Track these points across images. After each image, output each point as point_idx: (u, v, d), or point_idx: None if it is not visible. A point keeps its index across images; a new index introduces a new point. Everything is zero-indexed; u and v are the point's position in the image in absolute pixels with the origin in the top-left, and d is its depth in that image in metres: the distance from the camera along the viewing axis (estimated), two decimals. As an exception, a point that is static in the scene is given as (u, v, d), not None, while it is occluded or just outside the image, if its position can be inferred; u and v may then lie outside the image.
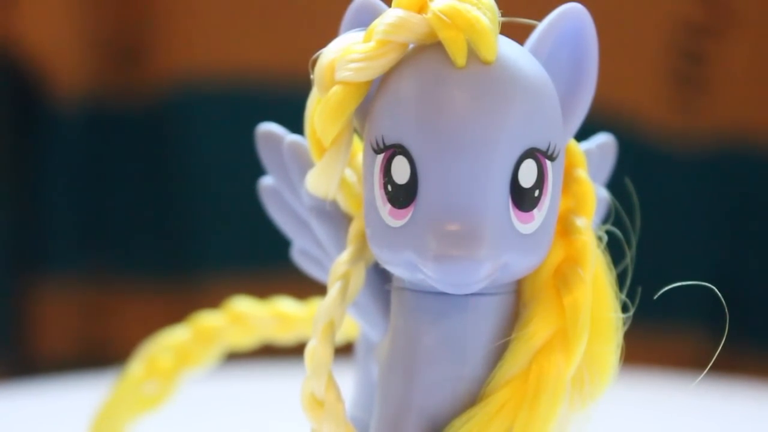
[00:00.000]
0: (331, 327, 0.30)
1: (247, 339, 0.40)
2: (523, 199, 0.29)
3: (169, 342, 0.41)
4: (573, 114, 0.30)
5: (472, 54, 0.28)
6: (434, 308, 0.30)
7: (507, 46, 0.29)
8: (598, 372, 0.30)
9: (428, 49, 0.29)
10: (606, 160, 0.34)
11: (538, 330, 0.29)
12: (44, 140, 0.79)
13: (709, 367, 0.32)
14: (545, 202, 0.29)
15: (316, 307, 0.32)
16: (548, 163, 0.29)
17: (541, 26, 0.30)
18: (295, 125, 0.32)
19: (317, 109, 0.30)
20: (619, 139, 0.34)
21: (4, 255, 0.80)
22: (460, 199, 0.28)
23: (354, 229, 0.31)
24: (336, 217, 0.32)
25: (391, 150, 0.29)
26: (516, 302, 0.30)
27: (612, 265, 0.31)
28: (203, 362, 0.41)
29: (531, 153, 0.29)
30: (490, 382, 0.29)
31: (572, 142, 0.31)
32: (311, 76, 0.30)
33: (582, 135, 0.32)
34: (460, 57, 0.28)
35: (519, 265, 0.29)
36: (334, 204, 0.32)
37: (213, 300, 0.46)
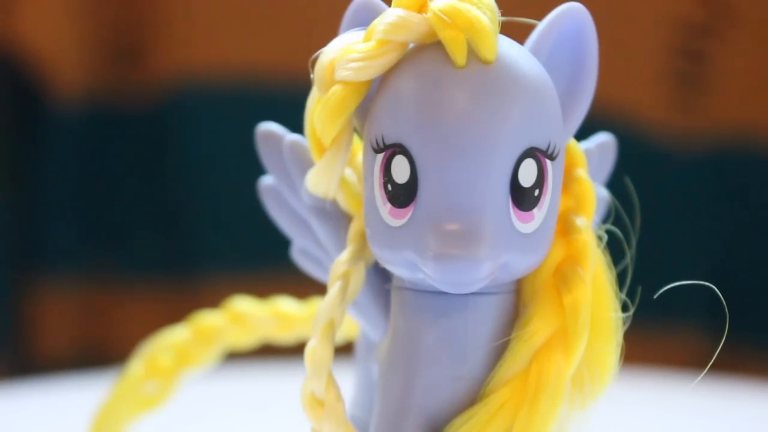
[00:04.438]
0: (331, 327, 0.30)
1: (247, 339, 0.40)
2: (523, 198, 0.29)
3: (169, 342, 0.41)
4: (573, 113, 0.30)
5: (472, 53, 0.28)
6: (434, 308, 0.30)
7: (507, 46, 0.29)
8: (598, 371, 0.30)
9: (428, 49, 0.29)
10: (606, 159, 0.34)
11: (538, 329, 0.29)
12: (44, 140, 0.79)
13: (709, 366, 0.32)
14: (545, 202, 0.29)
15: (316, 307, 0.32)
16: (548, 162, 0.29)
17: (541, 26, 0.30)
18: (295, 125, 0.32)
19: (317, 108, 0.30)
20: (619, 139, 0.34)
21: (4, 254, 0.80)
22: (460, 198, 0.28)
23: (354, 228, 0.31)
24: (336, 217, 0.32)
25: (391, 149, 0.29)
26: (516, 302, 0.30)
27: (612, 265, 0.31)
28: (203, 362, 0.41)
29: (531, 152, 0.29)
30: (490, 382, 0.29)
31: (572, 141, 0.31)
32: (311, 76, 0.30)
33: (582, 135, 0.32)
34: (460, 56, 0.28)
35: (519, 264, 0.29)
36: (334, 203, 0.32)
37: (213, 300, 0.46)
